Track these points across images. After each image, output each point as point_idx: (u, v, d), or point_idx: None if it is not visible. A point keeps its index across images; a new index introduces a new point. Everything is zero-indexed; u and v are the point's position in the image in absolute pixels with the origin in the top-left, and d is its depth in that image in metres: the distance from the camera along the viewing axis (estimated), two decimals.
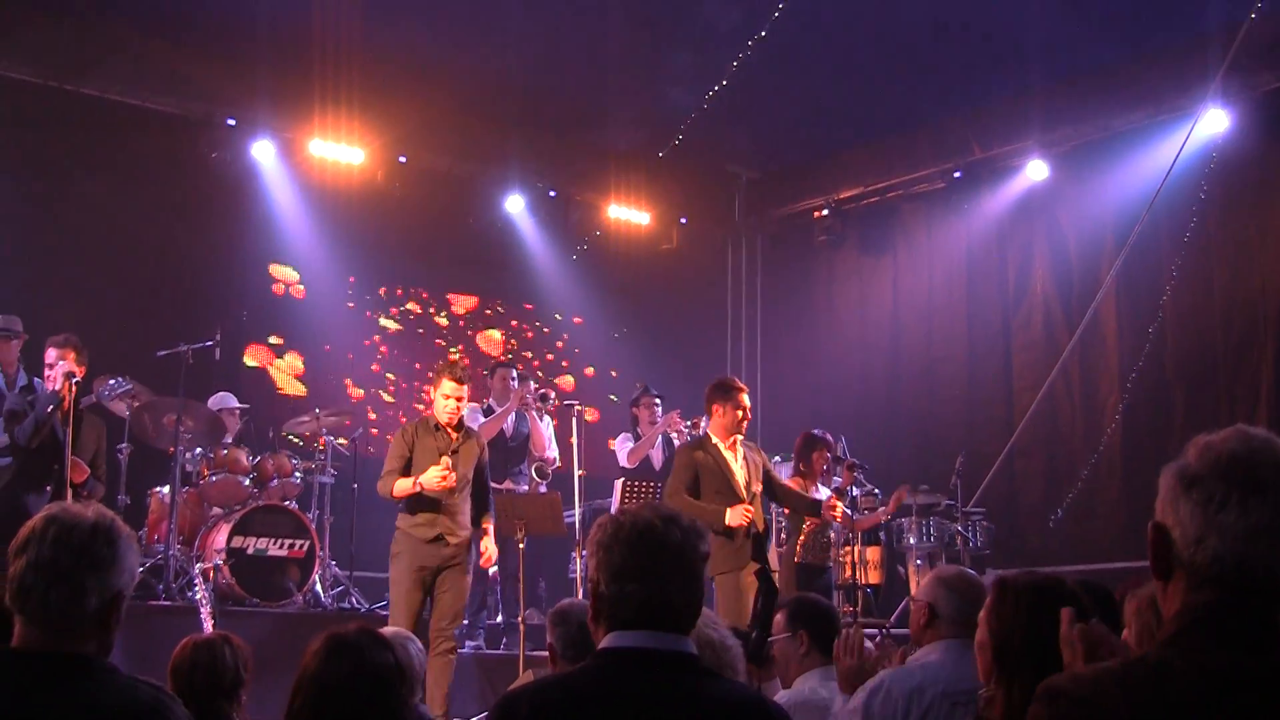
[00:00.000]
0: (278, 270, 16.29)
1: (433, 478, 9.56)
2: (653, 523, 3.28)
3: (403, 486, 9.66)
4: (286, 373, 16.23)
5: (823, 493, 12.19)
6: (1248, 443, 2.34)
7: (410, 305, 17.48)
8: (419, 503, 9.69)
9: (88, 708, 3.26)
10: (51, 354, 10.30)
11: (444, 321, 17.73)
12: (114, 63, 14.52)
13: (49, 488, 10.01)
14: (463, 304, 17.96)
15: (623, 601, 3.23)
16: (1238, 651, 2.21)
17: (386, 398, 16.99)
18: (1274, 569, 2.27)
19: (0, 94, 14.01)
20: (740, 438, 10.30)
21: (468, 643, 12.10)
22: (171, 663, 5.33)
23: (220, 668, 5.31)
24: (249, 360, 15.83)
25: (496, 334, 18.12)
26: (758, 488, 10.27)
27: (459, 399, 9.92)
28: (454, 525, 9.77)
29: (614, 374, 18.62)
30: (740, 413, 10.24)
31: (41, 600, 3.28)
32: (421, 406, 16.39)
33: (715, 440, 10.21)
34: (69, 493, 9.95)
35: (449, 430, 9.90)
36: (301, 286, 16.46)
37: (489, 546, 10.05)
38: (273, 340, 16.16)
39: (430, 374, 10.90)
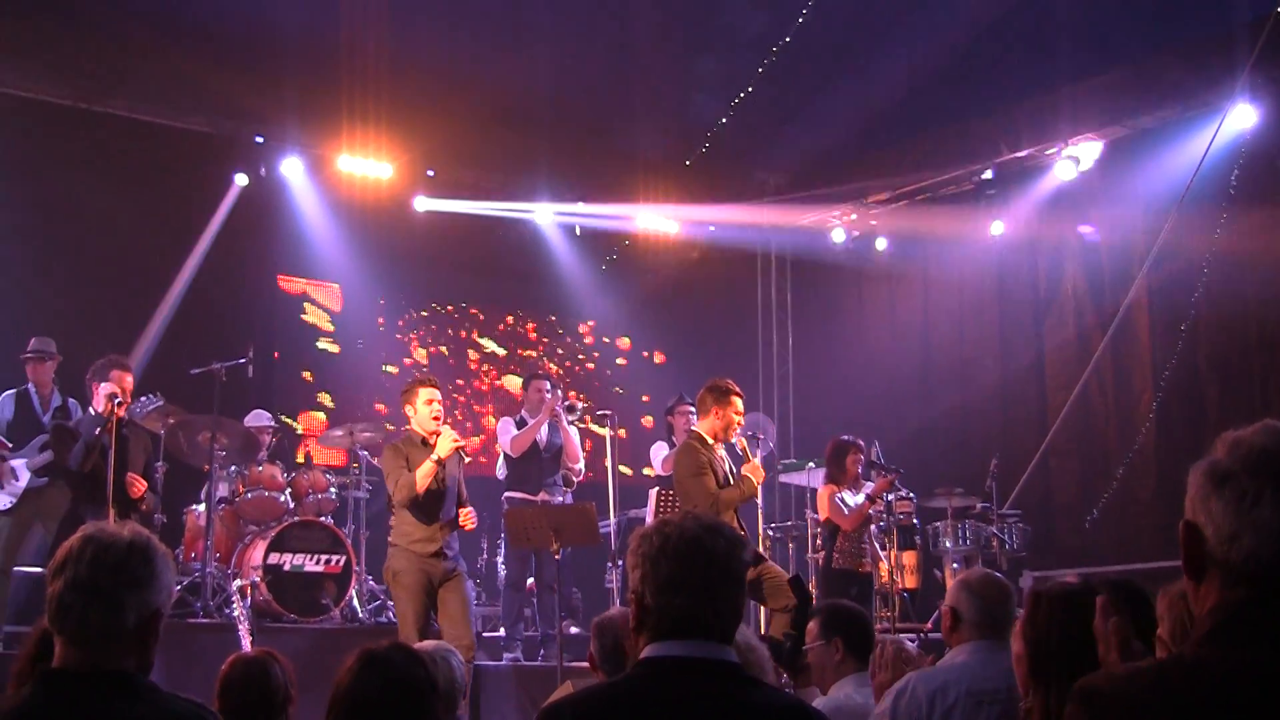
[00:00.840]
0: (308, 286, 16.34)
1: (446, 445, 9.71)
2: (698, 534, 3.27)
3: (424, 471, 9.68)
4: (320, 385, 16.29)
5: (856, 498, 12.21)
6: (1277, 437, 2.31)
7: (440, 317, 17.51)
8: (417, 520, 9.77)
9: None
10: (125, 379, 10.45)
11: (474, 333, 17.75)
12: (141, 82, 14.58)
13: (109, 507, 10.05)
14: (493, 315, 17.98)
15: (668, 613, 3.22)
16: (1275, 648, 2.18)
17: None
18: None
19: (29, 115, 14.09)
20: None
21: (505, 655, 12.12)
22: (221, 680, 5.34)
23: (272, 685, 5.32)
24: (282, 373, 15.89)
25: (527, 343, 18.13)
26: None
27: (442, 402, 10.02)
28: (450, 538, 9.91)
29: (644, 383, 18.63)
30: (738, 419, 10.20)
31: (80, 619, 3.29)
32: (448, 422, 16.45)
33: (709, 440, 10.15)
34: (122, 508, 10.07)
35: (433, 442, 9.86)
36: (332, 301, 16.50)
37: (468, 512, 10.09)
38: (305, 355, 16.22)
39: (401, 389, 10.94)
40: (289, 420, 15.29)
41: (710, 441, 10.09)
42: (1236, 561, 2.24)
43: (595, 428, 14.63)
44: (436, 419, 9.95)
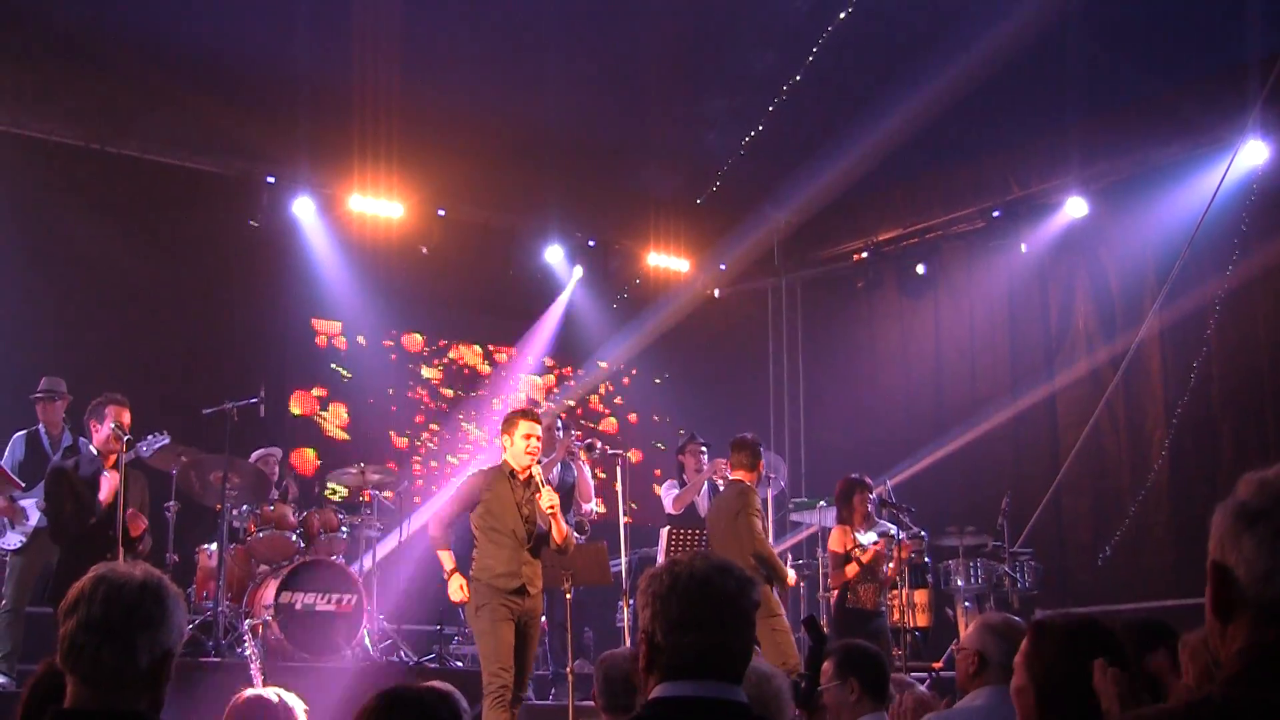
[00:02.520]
0: (320, 325, 16.37)
1: (452, 590, 9.69)
2: (708, 573, 3.27)
3: (443, 559, 9.69)
4: (332, 422, 16.29)
5: (868, 537, 12.18)
6: None
7: (452, 356, 17.53)
8: (498, 554, 9.48)
9: None
10: (122, 414, 10.44)
11: (486, 372, 17.76)
12: (153, 123, 14.66)
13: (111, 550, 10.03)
14: (504, 354, 18.00)
15: (679, 651, 3.21)
16: None
17: (430, 447, 17.02)
18: None
19: (42, 156, 14.17)
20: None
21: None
22: (228, 716, 5.33)
23: None
24: (294, 409, 15.90)
25: (538, 382, 18.13)
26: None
27: (539, 439, 9.80)
28: (534, 575, 9.59)
29: (656, 418, 18.64)
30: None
31: (93, 659, 3.29)
32: (455, 460, 16.46)
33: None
34: (121, 549, 10.03)
35: (523, 478, 9.61)
36: (344, 340, 16.53)
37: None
38: (316, 392, 16.22)
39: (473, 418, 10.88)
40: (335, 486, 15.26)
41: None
42: (1270, 600, 2.22)
43: (600, 473, 14.59)
44: (531, 454, 9.65)
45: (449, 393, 17.34)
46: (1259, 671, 2.21)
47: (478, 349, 17.81)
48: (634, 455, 16.38)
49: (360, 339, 16.66)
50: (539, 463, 9.77)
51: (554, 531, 9.53)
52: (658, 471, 17.68)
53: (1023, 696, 3.99)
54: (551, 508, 9.47)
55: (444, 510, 9.87)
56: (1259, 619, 2.24)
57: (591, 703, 7.09)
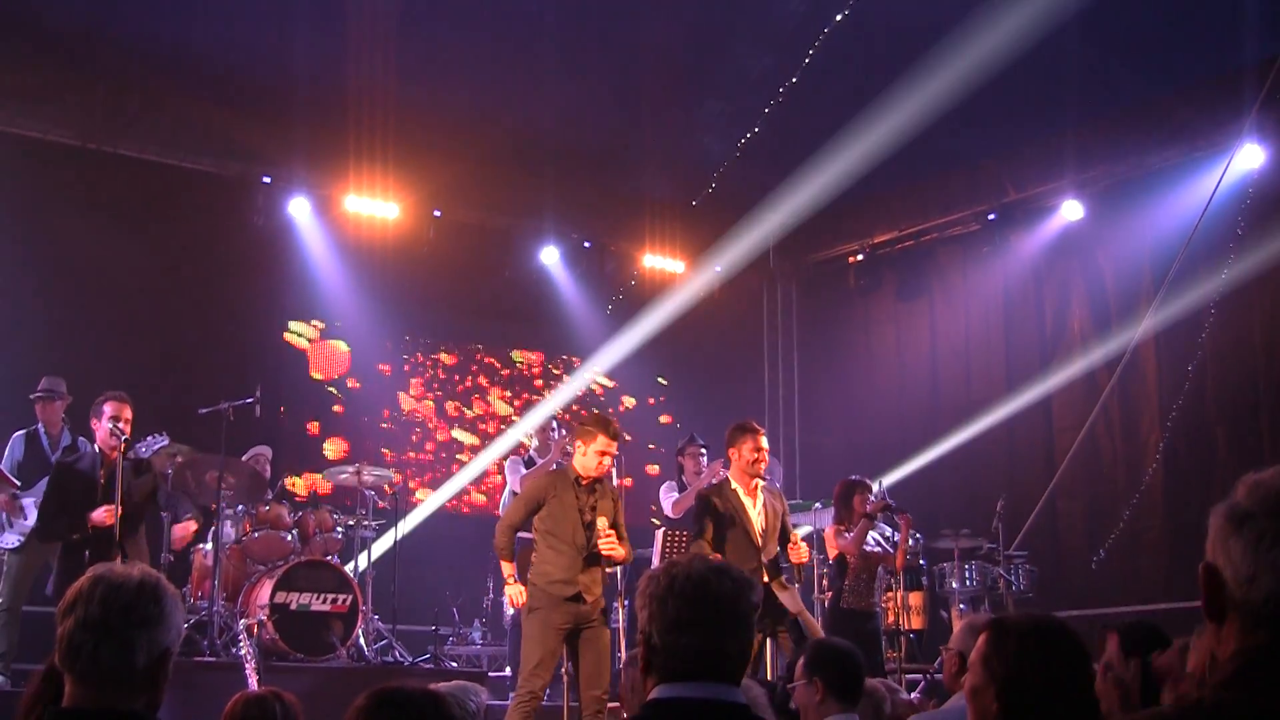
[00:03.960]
0: (317, 325, 16.37)
1: (510, 595, 9.66)
2: (705, 574, 3.27)
3: (506, 569, 9.61)
4: (325, 432, 16.32)
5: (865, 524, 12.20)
6: None
7: (446, 358, 17.53)
8: (557, 561, 9.34)
9: None
10: (123, 410, 10.40)
11: (481, 373, 17.76)
12: (150, 123, 14.67)
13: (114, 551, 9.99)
14: (499, 356, 17.99)
15: (676, 653, 3.21)
16: None
17: (427, 448, 17.02)
18: None
19: (37, 156, 14.18)
20: (762, 483, 10.34)
21: (511, 694, 12.06)
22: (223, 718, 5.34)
23: None
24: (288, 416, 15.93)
25: (534, 384, 18.14)
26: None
27: (613, 456, 9.70)
28: (591, 582, 9.39)
29: (651, 420, 18.65)
30: (755, 455, 10.27)
31: (91, 658, 3.29)
32: (463, 457, 16.48)
33: (735, 486, 10.26)
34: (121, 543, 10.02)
35: (588, 485, 9.49)
36: (338, 341, 16.54)
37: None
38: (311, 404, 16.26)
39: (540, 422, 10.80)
40: (294, 478, 15.24)
41: (736, 487, 10.34)
42: (1256, 603, 2.23)
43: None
44: (600, 472, 9.51)
45: (443, 394, 17.32)
46: (1247, 676, 2.22)
47: (473, 349, 17.80)
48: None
49: (353, 340, 16.65)
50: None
51: (615, 555, 9.48)
52: (653, 472, 17.70)
53: (979, 697, 3.98)
54: (608, 538, 9.38)
55: (513, 515, 9.66)
56: (1246, 622, 2.26)
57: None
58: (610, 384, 18.67)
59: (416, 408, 17.06)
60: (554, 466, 12.58)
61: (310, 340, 16.41)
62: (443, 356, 17.53)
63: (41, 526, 10.46)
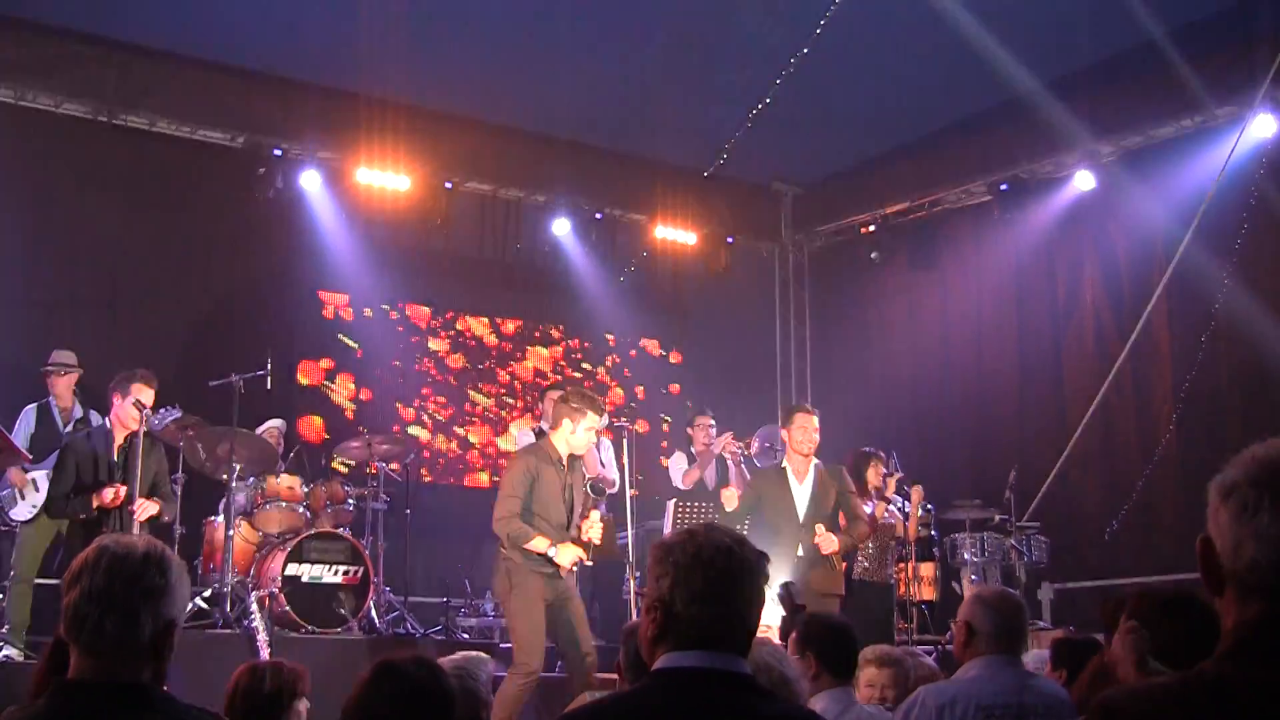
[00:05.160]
0: (327, 297, 16.37)
1: (569, 559, 9.45)
2: (730, 545, 3.25)
3: (537, 546, 9.35)
4: (339, 393, 16.31)
5: (881, 505, 12.26)
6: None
7: (459, 328, 17.52)
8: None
9: None
10: (146, 391, 10.32)
11: (493, 344, 17.75)
12: (161, 95, 14.64)
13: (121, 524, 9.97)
14: (511, 327, 17.98)
15: (699, 622, 3.19)
16: None
17: (439, 419, 17.02)
18: None
19: (50, 129, 14.16)
20: (817, 462, 10.63)
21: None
22: (228, 690, 5.39)
23: (269, 690, 5.35)
24: (301, 379, 15.93)
25: (544, 354, 18.13)
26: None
27: (599, 433, 9.73)
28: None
29: (662, 391, 18.64)
30: (801, 434, 10.57)
31: (96, 629, 3.29)
32: (464, 432, 16.45)
33: (785, 465, 10.60)
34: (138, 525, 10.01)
35: (566, 462, 9.51)
36: (350, 312, 16.54)
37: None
38: (323, 364, 16.24)
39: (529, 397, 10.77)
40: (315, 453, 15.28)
41: (785, 466, 10.84)
42: (1243, 572, 2.24)
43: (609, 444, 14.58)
44: (588, 448, 9.68)
45: (456, 364, 17.33)
46: (1247, 649, 2.22)
47: (484, 320, 17.79)
48: (641, 427, 16.37)
49: (367, 311, 16.66)
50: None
51: (595, 541, 9.63)
52: (664, 444, 17.70)
53: (1121, 667, 4.03)
54: (591, 524, 9.57)
55: (514, 503, 9.44)
56: (1240, 592, 2.27)
57: (607, 674, 7.09)
58: (621, 350, 18.67)
59: (428, 378, 17.05)
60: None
61: (322, 305, 16.44)
62: (455, 326, 17.52)
63: (51, 503, 10.42)
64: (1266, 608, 2.22)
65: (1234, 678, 2.18)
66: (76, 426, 11.05)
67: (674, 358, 18.91)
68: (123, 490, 10.03)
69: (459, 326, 17.56)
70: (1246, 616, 2.25)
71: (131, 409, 10.17)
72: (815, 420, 10.81)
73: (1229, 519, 2.27)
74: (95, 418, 10.81)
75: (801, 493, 10.52)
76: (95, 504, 10.01)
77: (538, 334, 18.15)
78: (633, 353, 18.73)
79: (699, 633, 3.19)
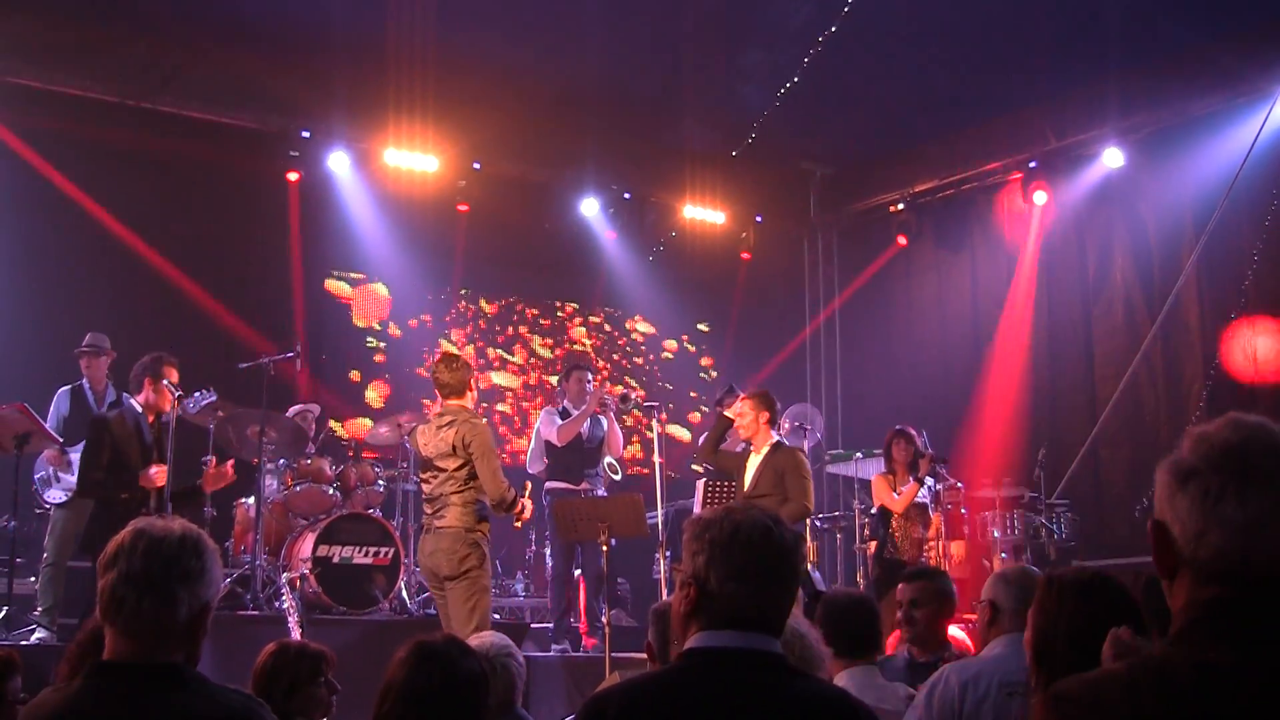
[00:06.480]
0: (355, 278, 16.43)
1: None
2: (768, 525, 3.27)
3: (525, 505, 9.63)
4: (369, 377, 16.38)
5: (905, 486, 12.32)
6: (1240, 431, 2.30)
7: (487, 308, 17.56)
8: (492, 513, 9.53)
9: (183, 716, 3.33)
10: (173, 374, 10.30)
11: (521, 324, 17.78)
12: (189, 79, 14.65)
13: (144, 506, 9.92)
14: (540, 307, 18.02)
15: (735, 601, 3.20)
16: (1242, 647, 2.17)
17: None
18: (1277, 558, 2.23)
19: (80, 115, 14.18)
20: (779, 441, 10.85)
21: (554, 646, 12.14)
22: (254, 670, 5.45)
23: (274, 671, 5.40)
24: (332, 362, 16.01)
25: (572, 334, 18.17)
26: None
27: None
28: None
29: (692, 370, 18.65)
30: (738, 417, 10.91)
31: (134, 611, 3.33)
32: (503, 408, 16.49)
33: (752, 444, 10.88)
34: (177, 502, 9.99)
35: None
36: (378, 285, 16.59)
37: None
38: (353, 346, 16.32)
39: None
40: (335, 422, 15.34)
41: (750, 444, 10.95)
42: (1205, 559, 2.24)
43: (639, 414, 14.60)
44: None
45: (482, 344, 17.36)
46: (1195, 633, 2.23)
47: (514, 300, 17.83)
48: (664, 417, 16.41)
49: (393, 293, 16.71)
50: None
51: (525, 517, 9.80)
52: (695, 420, 17.73)
53: (1028, 649, 4.04)
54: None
55: (501, 470, 9.61)
56: (1197, 577, 2.27)
57: (632, 654, 7.11)
58: (652, 330, 18.71)
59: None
60: (588, 419, 12.69)
61: (353, 286, 16.48)
62: (483, 306, 17.57)
63: (86, 481, 10.19)
64: (1221, 591, 2.23)
65: (1179, 661, 2.19)
66: (109, 409, 11.06)
67: (702, 338, 18.92)
68: (165, 471, 10.02)
69: (486, 306, 17.59)
70: (1199, 598, 2.25)
71: (166, 391, 10.17)
72: (740, 405, 11.01)
73: (1190, 505, 2.26)
74: (128, 400, 10.81)
75: (751, 470, 10.70)
76: (141, 483, 9.90)
77: (564, 314, 18.18)
78: (657, 337, 18.73)
79: (732, 611, 3.21)
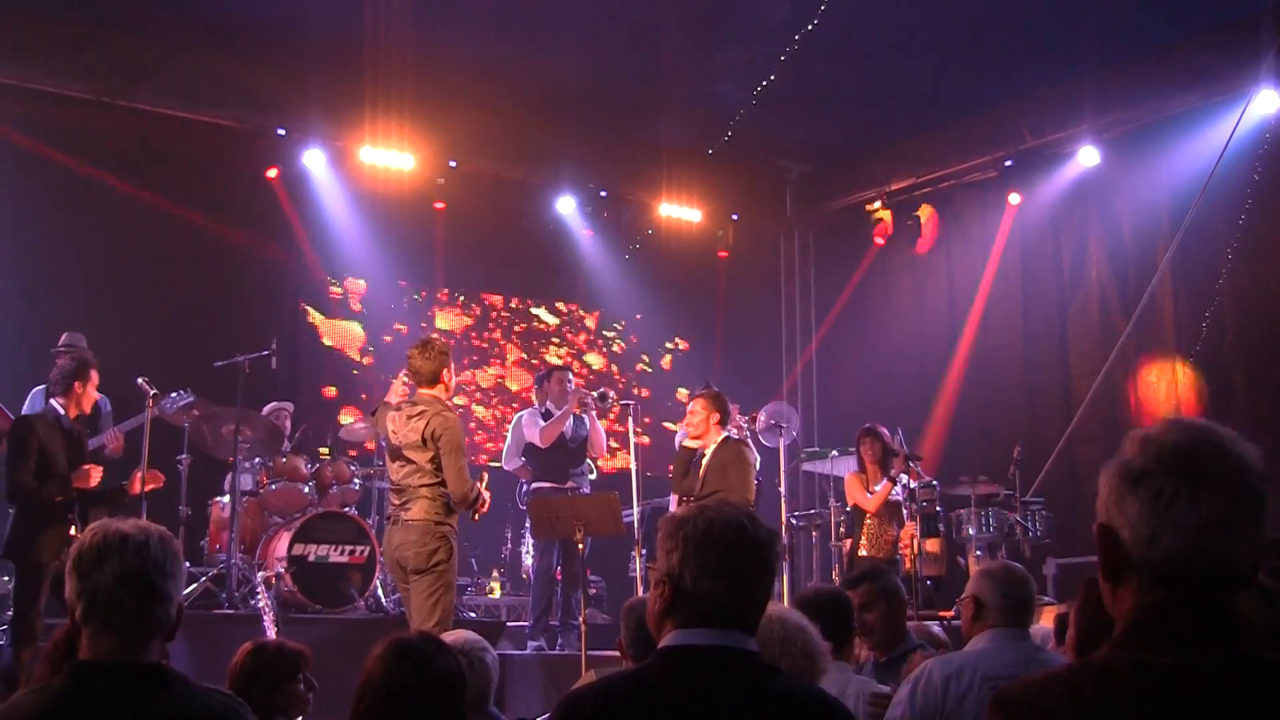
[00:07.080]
0: (331, 277, 16.38)
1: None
2: (742, 522, 3.26)
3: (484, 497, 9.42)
4: (345, 374, 16.35)
5: (878, 485, 12.35)
6: (1188, 433, 2.29)
7: (462, 309, 17.54)
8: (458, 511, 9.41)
9: (166, 717, 3.34)
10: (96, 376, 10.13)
11: (495, 323, 17.76)
12: (165, 76, 14.61)
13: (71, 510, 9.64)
14: (516, 306, 18.00)
15: (709, 599, 3.20)
16: (1184, 647, 2.18)
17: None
18: (1228, 560, 2.24)
19: (54, 111, 14.13)
20: (729, 436, 11.03)
21: (530, 644, 12.14)
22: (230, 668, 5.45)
23: (254, 670, 5.40)
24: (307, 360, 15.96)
25: (547, 332, 18.15)
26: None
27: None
28: None
29: (667, 369, 18.65)
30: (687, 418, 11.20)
31: (133, 610, 3.37)
32: (481, 409, 16.46)
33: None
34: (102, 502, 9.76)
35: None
36: (356, 292, 16.56)
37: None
38: (330, 345, 16.28)
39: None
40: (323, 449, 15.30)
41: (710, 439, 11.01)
42: (1157, 563, 2.24)
43: (616, 422, 14.62)
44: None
45: (462, 342, 17.33)
46: (1138, 634, 2.24)
47: (491, 298, 17.81)
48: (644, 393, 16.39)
49: (369, 292, 16.68)
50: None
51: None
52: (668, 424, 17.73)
53: (1071, 652, 4.07)
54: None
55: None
56: (1145, 582, 2.26)
57: (609, 651, 7.07)
58: (628, 322, 18.70)
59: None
60: (570, 419, 12.69)
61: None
62: (460, 306, 17.53)
63: (14, 486, 9.65)
64: (1170, 594, 2.23)
65: (1120, 662, 2.20)
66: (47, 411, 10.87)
67: (678, 336, 18.91)
68: (98, 471, 9.80)
69: (463, 305, 17.57)
70: (1146, 601, 2.25)
71: (91, 394, 9.97)
72: (691, 404, 11.19)
73: (1141, 509, 2.25)
74: (103, 399, 10.74)
75: (702, 465, 10.83)
76: (76, 484, 9.58)
77: (541, 312, 18.16)
78: (634, 336, 18.72)
79: (707, 609, 3.20)
